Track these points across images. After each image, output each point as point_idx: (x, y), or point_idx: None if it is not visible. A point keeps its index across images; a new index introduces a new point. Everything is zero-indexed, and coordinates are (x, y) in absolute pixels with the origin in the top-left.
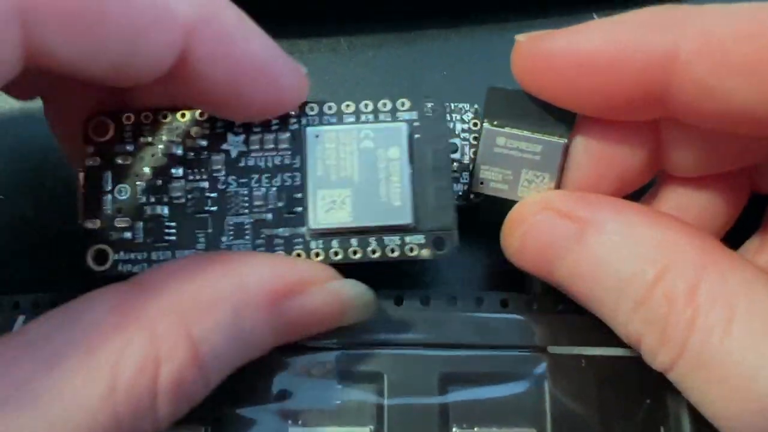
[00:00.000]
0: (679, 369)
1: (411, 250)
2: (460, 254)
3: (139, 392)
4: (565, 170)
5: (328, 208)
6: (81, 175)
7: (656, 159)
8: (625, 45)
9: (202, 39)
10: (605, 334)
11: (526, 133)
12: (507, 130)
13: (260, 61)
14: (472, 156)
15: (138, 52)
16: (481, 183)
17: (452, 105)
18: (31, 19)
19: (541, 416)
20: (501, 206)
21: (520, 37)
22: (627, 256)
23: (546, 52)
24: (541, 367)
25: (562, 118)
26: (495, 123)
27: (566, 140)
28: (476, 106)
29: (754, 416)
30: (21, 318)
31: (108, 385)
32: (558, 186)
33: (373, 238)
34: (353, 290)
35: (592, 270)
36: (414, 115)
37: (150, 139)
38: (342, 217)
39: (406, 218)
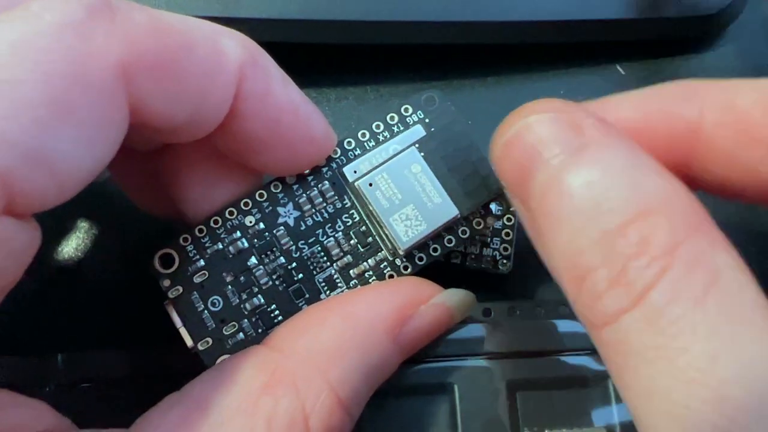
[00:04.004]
0: (622, 325)
1: (478, 224)
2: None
3: None
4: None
5: (405, 228)
6: (170, 308)
7: None
8: (651, 114)
9: (250, 79)
10: None
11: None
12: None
13: (297, 102)
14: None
15: (208, 94)
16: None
17: None
18: (132, 75)
19: (609, 415)
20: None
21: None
22: (620, 184)
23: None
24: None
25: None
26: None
27: (459, 213)
28: None
29: (703, 408)
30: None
31: None
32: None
33: (445, 233)
34: (456, 297)
35: (577, 191)
36: (420, 114)
37: (214, 246)
38: (419, 228)
39: (452, 212)
